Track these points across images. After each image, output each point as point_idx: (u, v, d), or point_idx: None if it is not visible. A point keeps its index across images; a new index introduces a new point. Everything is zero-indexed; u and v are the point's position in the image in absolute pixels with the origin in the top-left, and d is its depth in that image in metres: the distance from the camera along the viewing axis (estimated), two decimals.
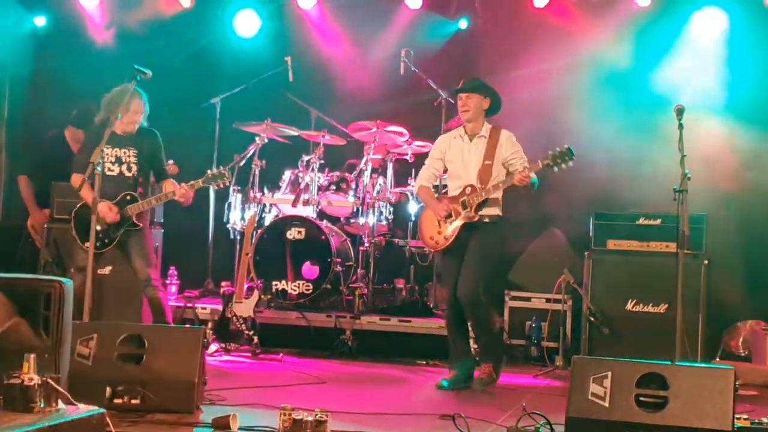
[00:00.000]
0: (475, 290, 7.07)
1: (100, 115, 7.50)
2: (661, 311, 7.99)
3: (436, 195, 7.53)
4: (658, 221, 8.18)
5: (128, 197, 7.47)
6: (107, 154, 7.39)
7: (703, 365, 6.37)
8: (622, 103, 9.40)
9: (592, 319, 8.09)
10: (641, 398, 5.19)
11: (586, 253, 8.35)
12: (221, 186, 7.81)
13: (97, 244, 7.36)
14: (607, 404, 5.22)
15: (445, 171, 7.53)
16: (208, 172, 7.61)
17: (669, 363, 5.48)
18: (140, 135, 7.58)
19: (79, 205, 7.49)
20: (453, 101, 9.06)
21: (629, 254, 8.24)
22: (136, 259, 7.53)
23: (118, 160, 7.49)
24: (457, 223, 7.14)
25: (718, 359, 8.11)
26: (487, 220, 7.12)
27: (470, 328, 7.41)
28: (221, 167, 7.68)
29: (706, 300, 7.95)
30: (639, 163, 9.10)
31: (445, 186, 7.87)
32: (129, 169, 7.53)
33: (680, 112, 6.38)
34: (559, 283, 8.36)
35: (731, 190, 8.84)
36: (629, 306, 8.09)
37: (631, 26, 9.34)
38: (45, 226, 8.85)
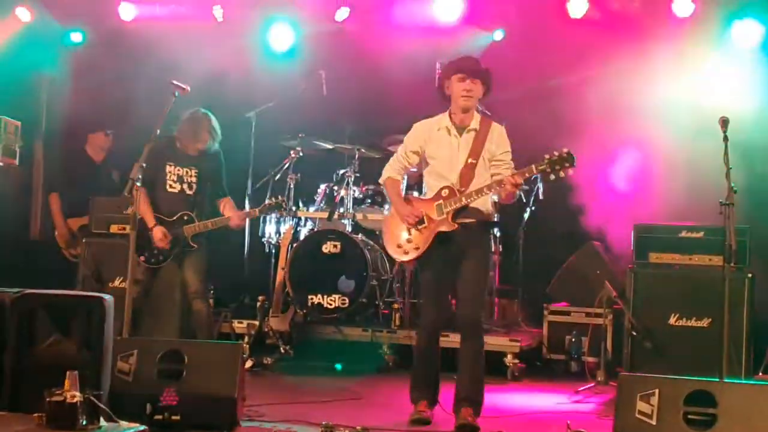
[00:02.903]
0: (479, 315, 6.37)
1: (178, 135, 7.62)
2: (705, 325, 7.85)
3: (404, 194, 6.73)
4: (701, 234, 8.04)
5: (185, 217, 7.59)
6: (169, 172, 7.63)
7: (752, 382, 6.27)
8: (663, 114, 9.30)
9: (633, 333, 7.97)
10: (689, 416, 5.13)
11: (627, 267, 8.24)
12: (281, 215, 7.91)
13: (152, 261, 7.48)
14: (654, 422, 5.17)
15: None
16: (266, 202, 7.72)
17: (717, 380, 5.39)
18: (204, 155, 7.71)
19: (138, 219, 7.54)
20: (488, 113, 9.05)
21: (671, 267, 8.12)
22: (189, 271, 7.66)
23: (180, 179, 7.66)
24: (430, 231, 6.21)
25: (760, 374, 7.98)
26: (473, 226, 6.22)
27: (462, 360, 6.33)
28: (279, 196, 7.76)
29: (750, 314, 7.83)
30: (680, 174, 8.99)
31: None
32: (190, 187, 7.65)
33: (725, 123, 6.24)
34: (600, 297, 8.27)
35: None
36: (672, 320, 7.96)
37: (671, 35, 9.23)
38: (84, 240, 8.88)
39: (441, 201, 6.17)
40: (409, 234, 6.31)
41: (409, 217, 6.25)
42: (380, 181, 6.68)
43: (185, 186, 7.69)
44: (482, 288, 6.40)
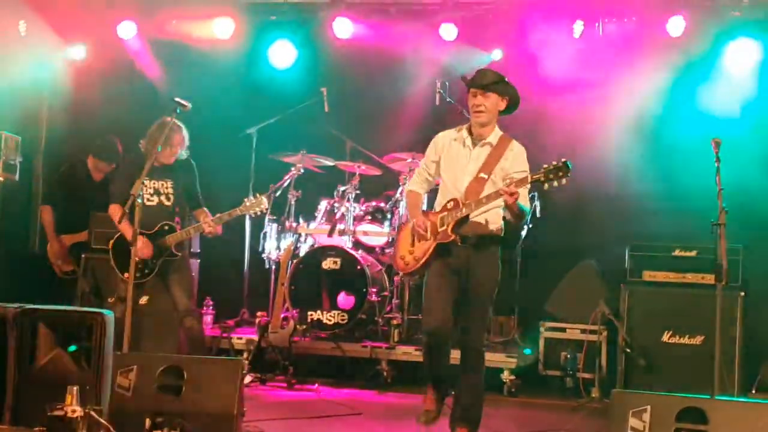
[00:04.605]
0: (482, 342, 6.22)
1: (144, 146, 7.61)
2: (698, 343, 7.96)
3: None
4: (694, 253, 8.17)
5: (166, 227, 7.60)
6: (146, 186, 7.55)
7: (743, 400, 6.33)
8: (657, 134, 9.40)
9: (627, 350, 8.06)
10: None
11: (621, 285, 8.32)
12: (258, 214, 7.84)
13: (137, 275, 7.46)
14: None
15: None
16: (246, 201, 7.67)
17: (708, 397, 5.45)
18: (177, 166, 7.73)
19: (116, 236, 7.60)
20: None
21: (665, 285, 8.22)
22: (175, 288, 7.63)
23: (157, 192, 7.65)
24: (430, 242, 6.07)
25: (754, 392, 8.04)
26: (475, 241, 6.02)
27: (463, 382, 6.20)
28: (257, 194, 7.73)
29: (743, 332, 7.91)
30: (674, 194, 9.09)
31: None
32: (168, 199, 7.67)
33: (718, 145, 6.32)
34: (595, 314, 8.34)
35: (767, 222, 8.78)
36: (665, 337, 8.06)
37: (665, 57, 9.31)
38: (83, 256, 8.93)
39: (445, 213, 6.03)
40: (413, 246, 6.21)
41: (420, 226, 6.10)
42: (402, 196, 6.53)
43: (163, 198, 7.69)
44: (486, 313, 6.22)
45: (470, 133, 6.17)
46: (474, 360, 6.13)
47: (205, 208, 7.86)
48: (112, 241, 7.70)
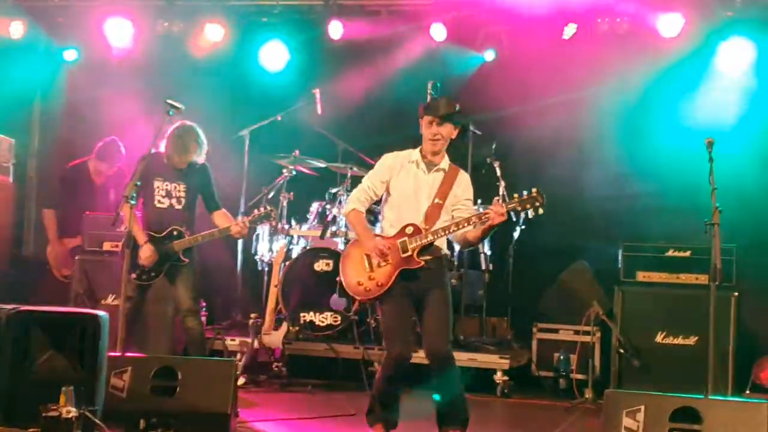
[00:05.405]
0: (450, 348, 6.15)
1: (167, 149, 7.61)
2: (691, 343, 7.97)
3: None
4: (688, 253, 8.18)
5: (175, 232, 7.56)
6: (158, 188, 7.59)
7: (736, 399, 6.34)
8: (651, 134, 9.42)
9: (621, 351, 8.07)
10: None
11: (615, 285, 8.33)
12: (269, 225, 7.84)
13: (143, 277, 7.48)
14: None
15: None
16: (255, 212, 7.65)
17: (702, 397, 5.47)
18: (190, 169, 7.71)
19: (126, 237, 7.58)
20: (479, 132, 9.10)
21: (659, 286, 8.23)
22: (180, 289, 7.61)
23: (168, 194, 7.64)
24: (393, 267, 6.08)
25: (747, 392, 8.06)
26: (434, 263, 6.14)
27: (439, 388, 6.21)
28: (267, 206, 7.72)
29: (736, 332, 7.92)
30: (667, 194, 9.11)
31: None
32: (179, 202, 7.66)
33: (711, 145, 6.34)
34: (589, 315, 8.34)
35: (760, 222, 8.81)
36: (659, 338, 8.07)
37: (658, 57, 9.34)
38: (77, 258, 8.90)
39: (405, 238, 6.07)
40: (371, 271, 6.15)
41: (382, 247, 6.04)
42: (343, 212, 6.46)
43: (174, 201, 7.69)
44: (449, 322, 6.19)
45: (423, 156, 6.26)
46: (448, 365, 6.15)
47: (224, 210, 7.85)
48: (122, 242, 7.71)
